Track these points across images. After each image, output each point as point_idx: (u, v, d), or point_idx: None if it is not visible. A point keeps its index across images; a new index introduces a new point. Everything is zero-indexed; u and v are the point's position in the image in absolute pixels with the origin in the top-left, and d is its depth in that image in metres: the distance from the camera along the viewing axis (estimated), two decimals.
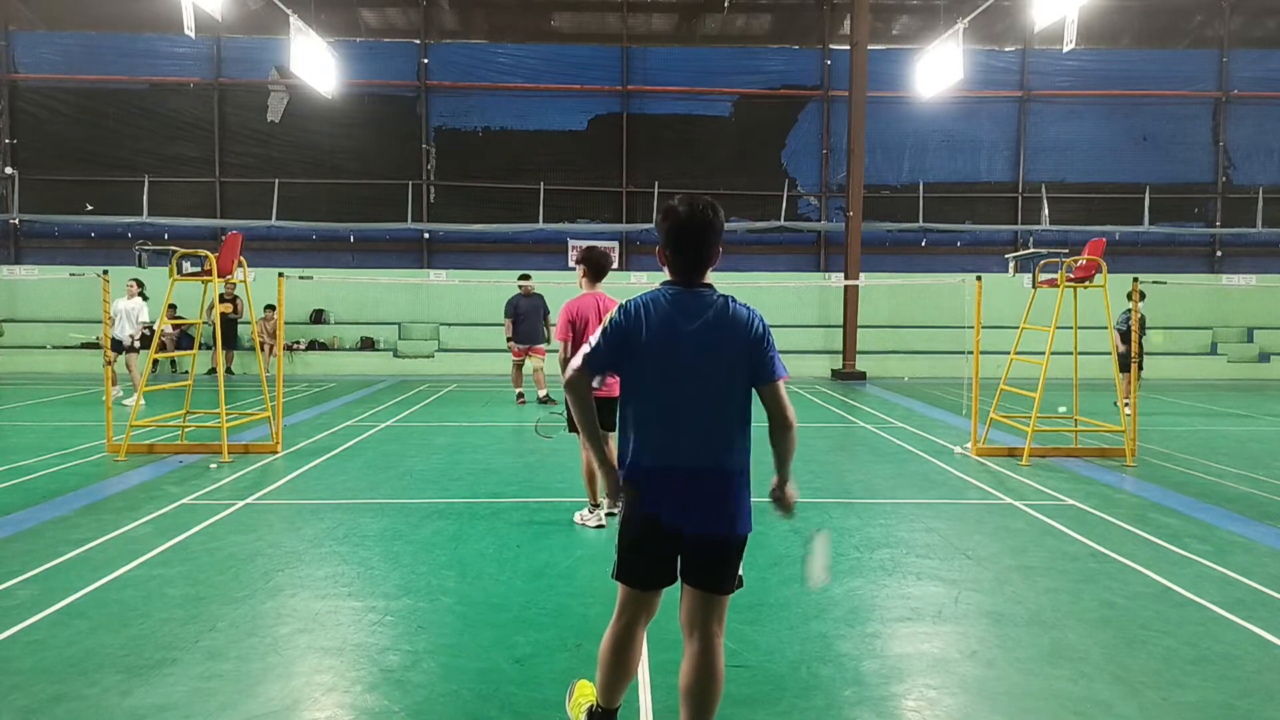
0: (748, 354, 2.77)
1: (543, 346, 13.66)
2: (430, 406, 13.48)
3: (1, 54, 20.56)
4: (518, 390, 13.88)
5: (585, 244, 21.25)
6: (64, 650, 3.94)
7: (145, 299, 13.43)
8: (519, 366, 13.84)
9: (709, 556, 2.80)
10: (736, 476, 2.80)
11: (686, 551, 2.82)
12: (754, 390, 2.84)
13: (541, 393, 13.47)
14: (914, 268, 21.50)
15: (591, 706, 3.17)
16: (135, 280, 13.25)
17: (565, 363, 5.85)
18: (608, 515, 6.09)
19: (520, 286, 13.82)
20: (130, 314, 13.07)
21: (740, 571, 2.89)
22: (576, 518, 6.30)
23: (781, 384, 2.83)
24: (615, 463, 2.91)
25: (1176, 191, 21.51)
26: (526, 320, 13.55)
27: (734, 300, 2.84)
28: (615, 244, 21.26)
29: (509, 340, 13.72)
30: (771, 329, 2.88)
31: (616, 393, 5.27)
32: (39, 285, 20.21)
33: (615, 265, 21.04)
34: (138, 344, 13.04)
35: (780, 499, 2.94)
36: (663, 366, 2.75)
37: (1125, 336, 12.27)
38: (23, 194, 20.35)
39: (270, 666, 3.81)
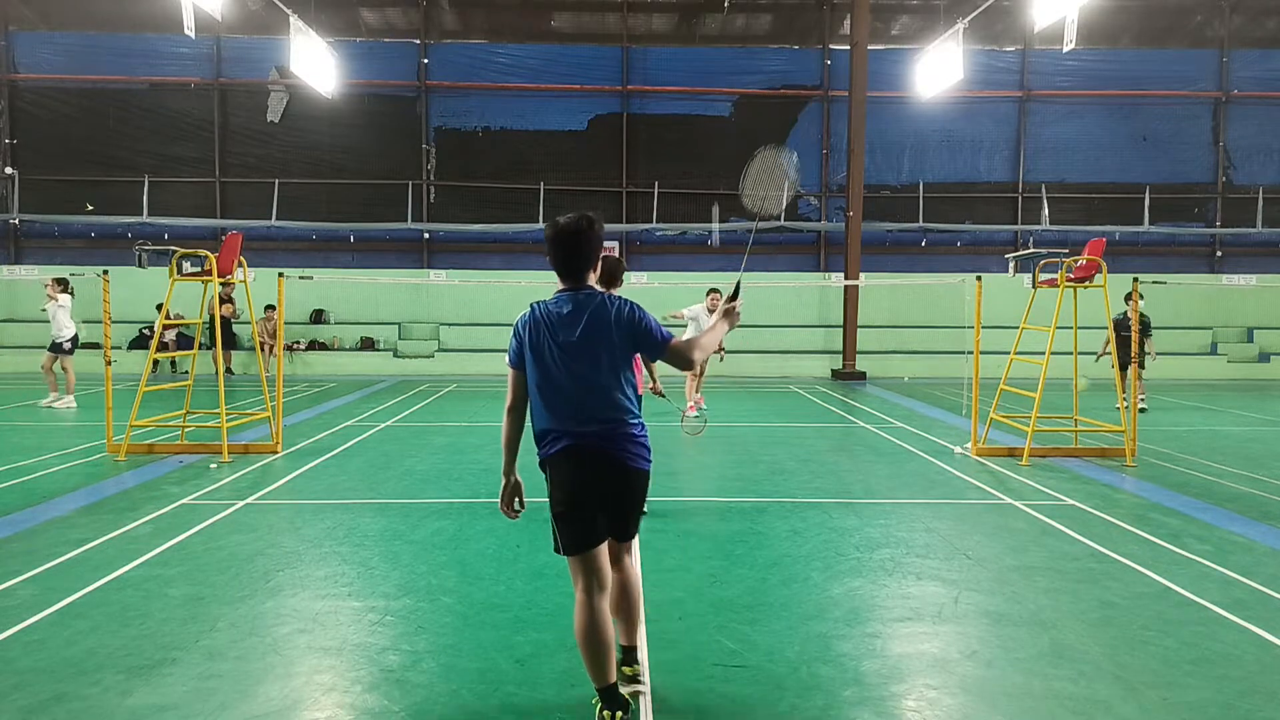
0: (626, 339, 3.28)
1: None
2: (430, 406, 13.48)
3: (2, 54, 20.56)
4: None
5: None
6: (64, 650, 3.94)
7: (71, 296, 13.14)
8: None
9: (626, 493, 3.38)
10: (623, 425, 3.31)
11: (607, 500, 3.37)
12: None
13: None
14: (914, 268, 21.50)
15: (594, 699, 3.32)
16: (61, 279, 12.93)
17: None
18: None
19: None
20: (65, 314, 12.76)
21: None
22: None
23: (671, 343, 3.32)
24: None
25: (1176, 191, 21.51)
26: None
27: (611, 298, 3.32)
28: (615, 244, 21.27)
29: None
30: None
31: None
32: (39, 285, 20.19)
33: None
34: (67, 345, 12.79)
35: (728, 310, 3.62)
36: (549, 357, 3.26)
37: (1127, 339, 12.28)
38: (23, 194, 20.35)
39: (270, 666, 3.81)
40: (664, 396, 7.17)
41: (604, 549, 3.35)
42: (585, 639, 3.23)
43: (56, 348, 12.77)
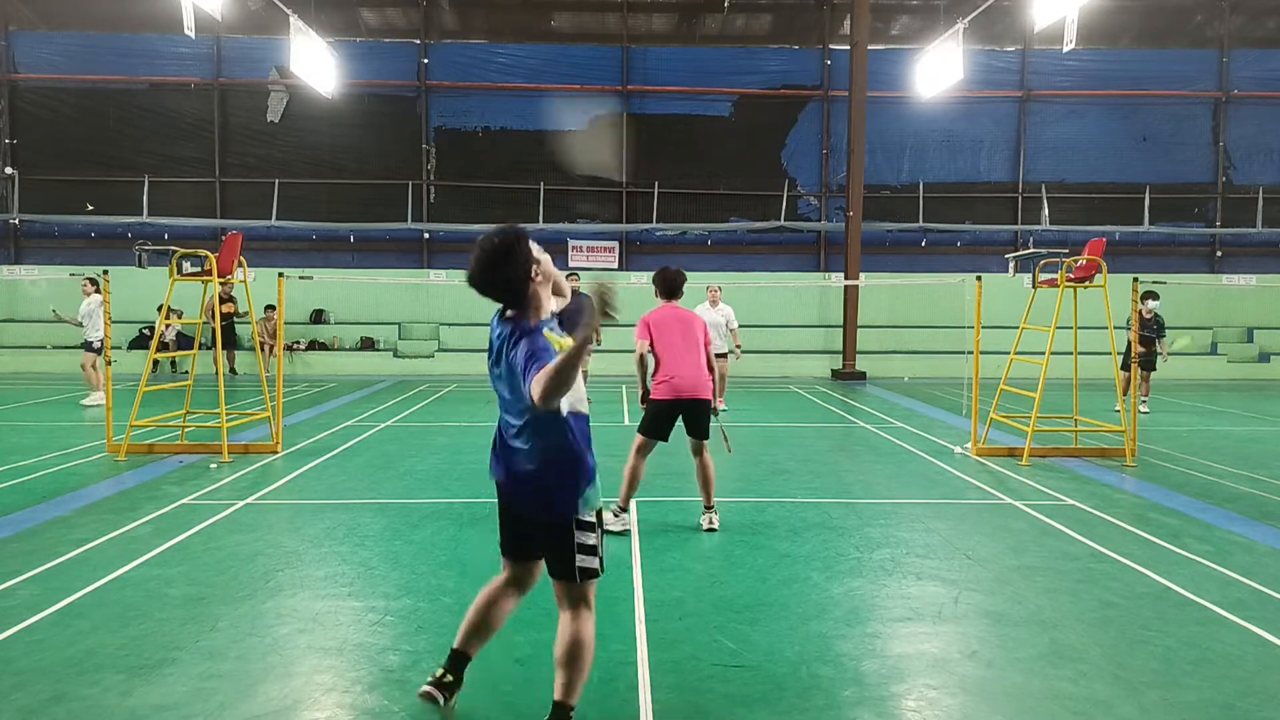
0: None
1: None
2: (430, 406, 13.48)
3: (1, 54, 20.56)
4: None
5: (588, 245, 21.25)
6: (64, 650, 3.94)
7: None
8: None
9: (546, 536, 3.15)
10: (545, 469, 3.06)
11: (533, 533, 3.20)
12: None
13: None
14: (914, 268, 21.49)
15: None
16: (92, 279, 13.03)
17: (642, 359, 6.21)
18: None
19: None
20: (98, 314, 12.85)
21: (590, 566, 3.14)
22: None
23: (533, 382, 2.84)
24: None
25: (1176, 191, 21.51)
26: None
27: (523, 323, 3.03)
28: (615, 244, 21.28)
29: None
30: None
31: (658, 394, 5.88)
32: (39, 285, 20.21)
33: (616, 266, 21.17)
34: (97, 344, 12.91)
35: None
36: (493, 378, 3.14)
37: (1141, 338, 12.27)
38: (23, 194, 20.35)
39: (270, 666, 3.81)
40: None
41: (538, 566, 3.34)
42: (476, 607, 3.35)
43: (88, 345, 12.93)
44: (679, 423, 6.14)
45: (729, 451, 7.32)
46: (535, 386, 2.68)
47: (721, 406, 10.97)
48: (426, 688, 3.38)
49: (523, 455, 3.07)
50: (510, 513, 3.23)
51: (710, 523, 6.15)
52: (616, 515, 6.11)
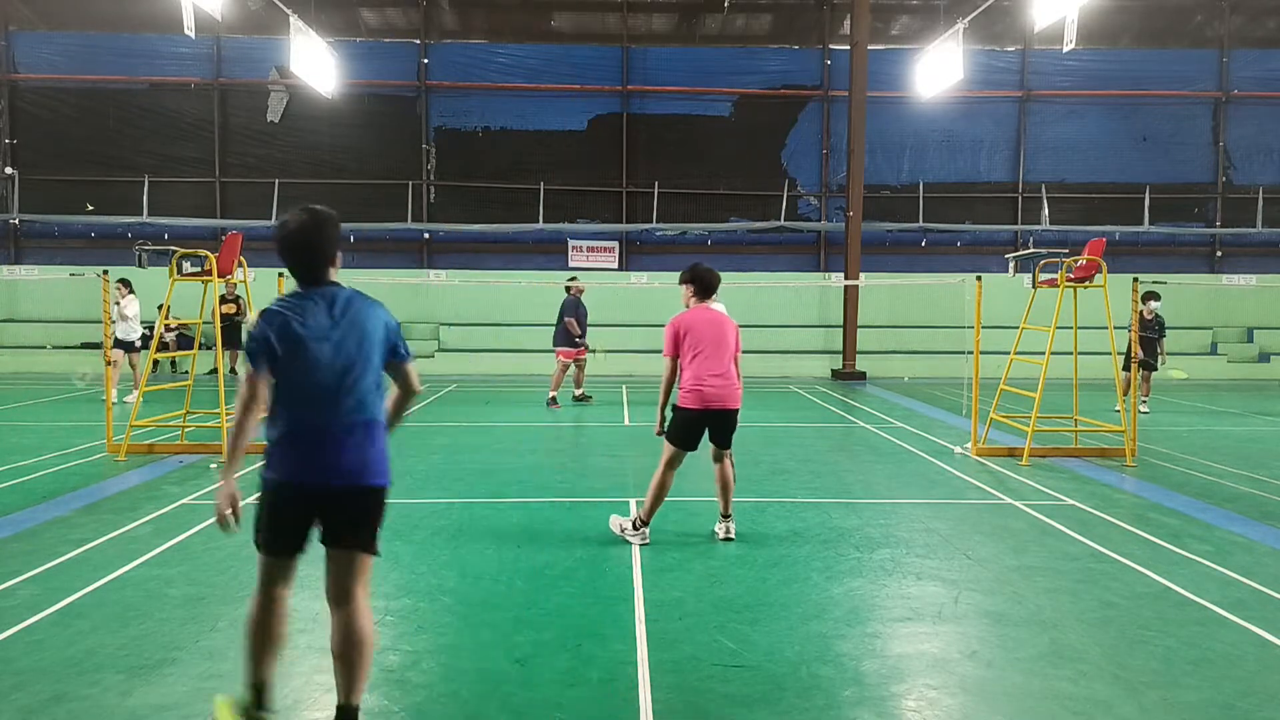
0: (385, 340, 3.20)
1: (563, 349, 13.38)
2: (430, 406, 13.47)
3: (1, 54, 20.55)
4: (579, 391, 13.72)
5: (585, 247, 21.23)
6: (64, 650, 3.94)
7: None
8: (577, 366, 13.59)
9: (352, 511, 3.07)
10: (370, 429, 3.10)
11: (330, 510, 3.06)
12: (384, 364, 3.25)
13: (578, 390, 13.61)
14: (914, 268, 21.49)
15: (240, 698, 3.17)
16: (125, 281, 13.32)
17: (668, 387, 5.74)
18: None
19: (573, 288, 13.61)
20: (137, 315, 13.32)
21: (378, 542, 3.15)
22: (615, 524, 5.94)
23: (410, 363, 3.33)
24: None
25: (1176, 191, 21.51)
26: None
27: (360, 294, 3.23)
28: (615, 244, 21.27)
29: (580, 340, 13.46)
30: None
31: (685, 402, 5.46)
32: (39, 285, 20.21)
33: (616, 266, 21.18)
34: (139, 343, 13.28)
35: None
36: (296, 357, 3.02)
37: (1143, 339, 12.28)
38: (23, 194, 20.34)
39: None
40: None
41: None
42: (261, 627, 3.15)
43: (128, 345, 13.15)
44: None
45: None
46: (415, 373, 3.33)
47: None
48: None
49: (360, 423, 3.09)
50: (314, 496, 3.04)
51: (727, 532, 5.88)
52: (637, 528, 5.76)
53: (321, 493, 3.03)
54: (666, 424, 5.80)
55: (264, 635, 3.14)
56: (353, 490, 3.05)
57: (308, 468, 3.01)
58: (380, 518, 3.14)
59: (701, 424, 5.69)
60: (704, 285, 5.89)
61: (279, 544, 3.09)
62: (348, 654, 3.06)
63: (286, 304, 3.13)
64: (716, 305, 5.89)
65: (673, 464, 5.72)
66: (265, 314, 3.09)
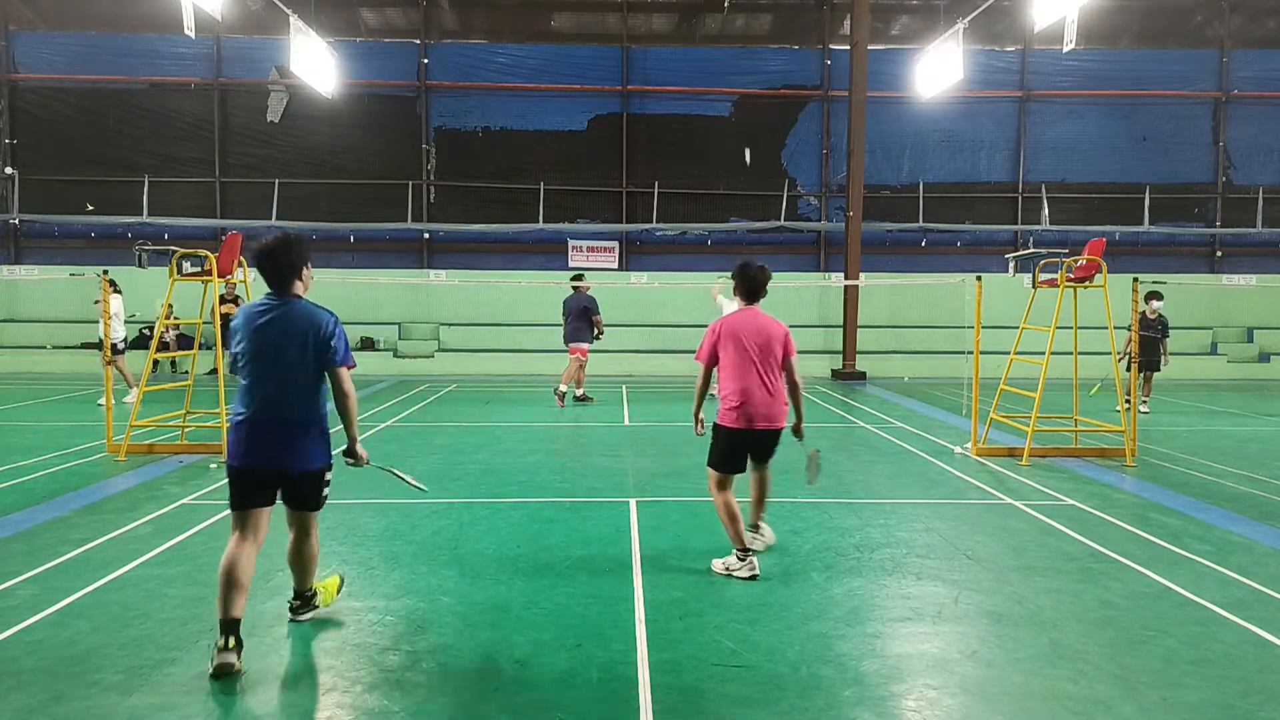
0: (317, 346, 3.92)
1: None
2: (430, 407, 13.47)
3: (1, 54, 20.55)
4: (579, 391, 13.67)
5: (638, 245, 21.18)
6: (64, 650, 3.94)
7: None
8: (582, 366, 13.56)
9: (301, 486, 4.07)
10: (308, 426, 3.99)
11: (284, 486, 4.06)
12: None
13: (579, 391, 13.52)
14: (914, 268, 21.49)
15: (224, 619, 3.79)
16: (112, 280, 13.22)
17: (702, 391, 5.36)
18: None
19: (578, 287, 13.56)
20: (121, 315, 13.14)
21: (326, 494, 4.17)
22: (719, 566, 5.16)
23: (345, 370, 4.02)
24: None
25: (1176, 191, 21.51)
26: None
27: (313, 306, 3.99)
28: (615, 244, 21.27)
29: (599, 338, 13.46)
30: None
31: (726, 420, 5.22)
32: (39, 285, 20.21)
33: (616, 266, 21.17)
34: (122, 346, 13.21)
35: (351, 453, 4.22)
36: (252, 355, 3.92)
37: (1145, 339, 12.27)
38: (23, 194, 20.34)
39: (270, 666, 3.81)
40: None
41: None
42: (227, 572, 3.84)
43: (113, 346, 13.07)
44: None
45: (811, 484, 5.88)
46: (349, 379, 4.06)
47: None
48: (222, 659, 3.62)
49: (300, 417, 3.97)
50: (269, 472, 3.97)
51: (762, 543, 5.49)
52: (742, 559, 5.07)
53: (275, 474, 3.99)
54: (705, 429, 5.43)
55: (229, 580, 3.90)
56: (294, 474, 4.00)
57: (259, 455, 3.93)
58: (321, 488, 4.12)
59: (745, 445, 5.23)
60: (748, 287, 5.34)
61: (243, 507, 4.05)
62: (304, 560, 4.28)
63: (254, 307, 3.94)
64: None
65: (724, 485, 5.23)
66: (238, 314, 4.01)
